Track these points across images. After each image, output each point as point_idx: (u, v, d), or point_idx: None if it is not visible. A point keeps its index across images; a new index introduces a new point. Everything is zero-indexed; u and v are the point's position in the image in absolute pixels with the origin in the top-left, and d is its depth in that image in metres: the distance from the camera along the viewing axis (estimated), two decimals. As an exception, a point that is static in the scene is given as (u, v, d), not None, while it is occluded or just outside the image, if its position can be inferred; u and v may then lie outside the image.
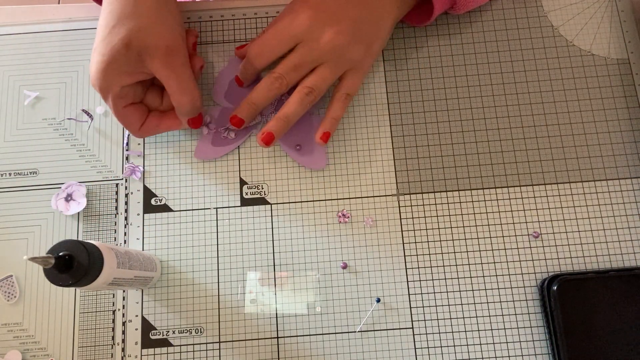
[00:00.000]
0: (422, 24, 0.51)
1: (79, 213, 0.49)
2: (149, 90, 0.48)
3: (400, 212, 0.48)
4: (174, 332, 0.46)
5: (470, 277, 0.47)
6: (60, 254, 0.34)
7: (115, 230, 0.49)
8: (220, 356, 0.46)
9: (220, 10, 0.54)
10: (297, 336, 0.46)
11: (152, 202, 0.49)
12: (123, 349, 0.46)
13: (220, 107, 0.51)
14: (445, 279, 0.47)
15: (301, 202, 0.49)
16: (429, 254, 0.48)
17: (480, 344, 0.46)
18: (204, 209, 0.49)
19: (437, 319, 0.46)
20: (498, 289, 0.47)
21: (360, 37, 0.46)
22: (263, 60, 0.47)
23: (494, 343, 0.46)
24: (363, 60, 0.47)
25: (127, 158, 0.50)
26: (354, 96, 0.48)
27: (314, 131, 0.50)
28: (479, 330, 0.46)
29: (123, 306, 0.47)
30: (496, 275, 0.47)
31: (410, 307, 0.46)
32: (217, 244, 0.48)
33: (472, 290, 0.47)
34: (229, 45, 0.53)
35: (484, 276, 0.47)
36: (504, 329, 0.46)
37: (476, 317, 0.46)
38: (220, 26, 0.54)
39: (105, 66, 0.42)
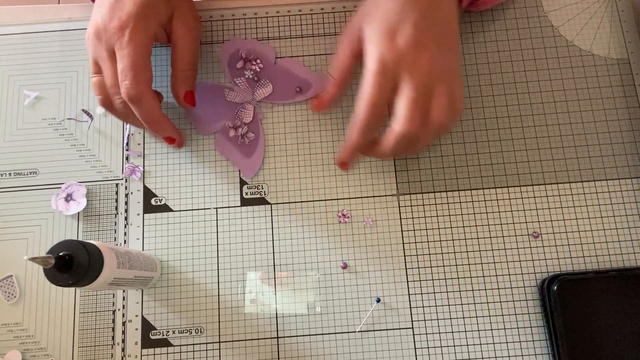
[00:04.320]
0: None
1: (79, 213, 0.49)
2: None
3: (400, 212, 0.48)
4: (174, 332, 0.46)
5: (470, 277, 0.47)
6: (60, 254, 0.34)
7: (115, 230, 0.49)
8: (220, 356, 0.46)
9: (220, 10, 0.54)
10: (297, 336, 0.46)
11: (152, 202, 0.49)
12: (123, 349, 0.46)
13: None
14: (445, 279, 0.47)
15: (301, 202, 0.49)
16: (429, 254, 0.47)
17: (480, 344, 0.46)
18: (204, 209, 0.49)
19: (437, 319, 0.46)
20: (498, 289, 0.47)
21: (446, 44, 0.42)
22: (377, 113, 0.41)
23: (494, 343, 0.46)
24: (457, 65, 0.44)
25: (127, 158, 0.50)
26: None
27: (305, 73, 0.52)
28: (479, 330, 0.46)
29: (123, 306, 0.47)
30: (496, 275, 0.47)
31: (410, 307, 0.46)
32: (217, 244, 0.48)
33: (472, 290, 0.47)
34: (229, 45, 0.53)
35: (484, 276, 0.47)
36: (504, 329, 0.46)
37: (476, 317, 0.46)
38: (220, 26, 0.54)
39: (143, 8, 0.43)
